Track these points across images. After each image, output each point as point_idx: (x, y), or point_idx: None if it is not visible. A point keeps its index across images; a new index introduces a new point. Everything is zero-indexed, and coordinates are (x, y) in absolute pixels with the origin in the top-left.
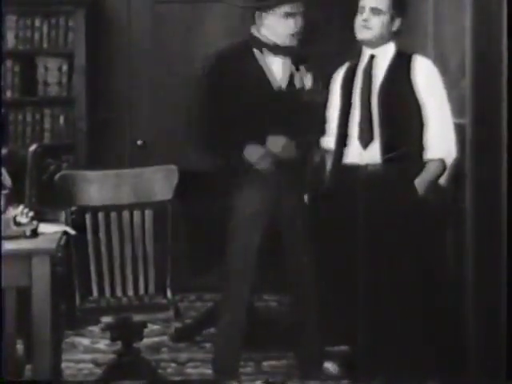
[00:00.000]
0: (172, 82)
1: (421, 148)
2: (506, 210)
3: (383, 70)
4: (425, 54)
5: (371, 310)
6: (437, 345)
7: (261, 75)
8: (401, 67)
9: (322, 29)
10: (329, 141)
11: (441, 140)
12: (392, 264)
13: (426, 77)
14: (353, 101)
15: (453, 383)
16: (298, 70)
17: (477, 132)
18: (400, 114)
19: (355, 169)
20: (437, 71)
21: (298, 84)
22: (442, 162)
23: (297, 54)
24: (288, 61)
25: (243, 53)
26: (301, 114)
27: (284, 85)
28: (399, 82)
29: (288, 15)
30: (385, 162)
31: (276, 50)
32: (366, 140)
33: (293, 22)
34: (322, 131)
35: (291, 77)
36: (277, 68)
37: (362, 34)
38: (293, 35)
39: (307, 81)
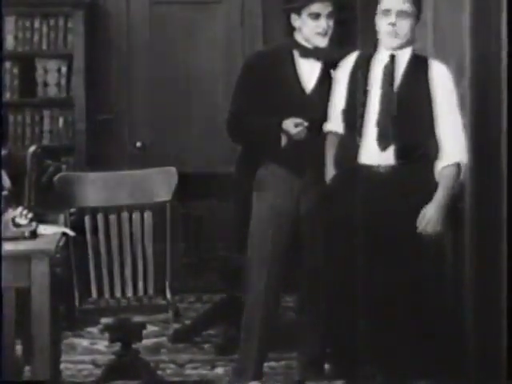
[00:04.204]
0: (171, 83)
1: (434, 151)
2: (506, 211)
3: (400, 73)
4: (424, 54)
5: (371, 311)
6: (437, 345)
7: (290, 77)
8: (419, 72)
9: (354, 31)
10: (334, 125)
11: (455, 144)
12: (391, 265)
13: (442, 83)
14: (368, 96)
15: (452, 383)
16: (329, 73)
17: (476, 132)
18: (416, 117)
19: (368, 169)
20: (452, 77)
21: (326, 88)
22: (458, 166)
23: (328, 57)
24: (319, 64)
25: (281, 54)
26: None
27: (311, 88)
28: (417, 86)
29: (315, 16)
30: (399, 164)
31: (305, 52)
32: (384, 143)
33: (320, 22)
34: None
35: (320, 80)
36: (306, 71)
37: (390, 42)
38: (321, 36)
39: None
